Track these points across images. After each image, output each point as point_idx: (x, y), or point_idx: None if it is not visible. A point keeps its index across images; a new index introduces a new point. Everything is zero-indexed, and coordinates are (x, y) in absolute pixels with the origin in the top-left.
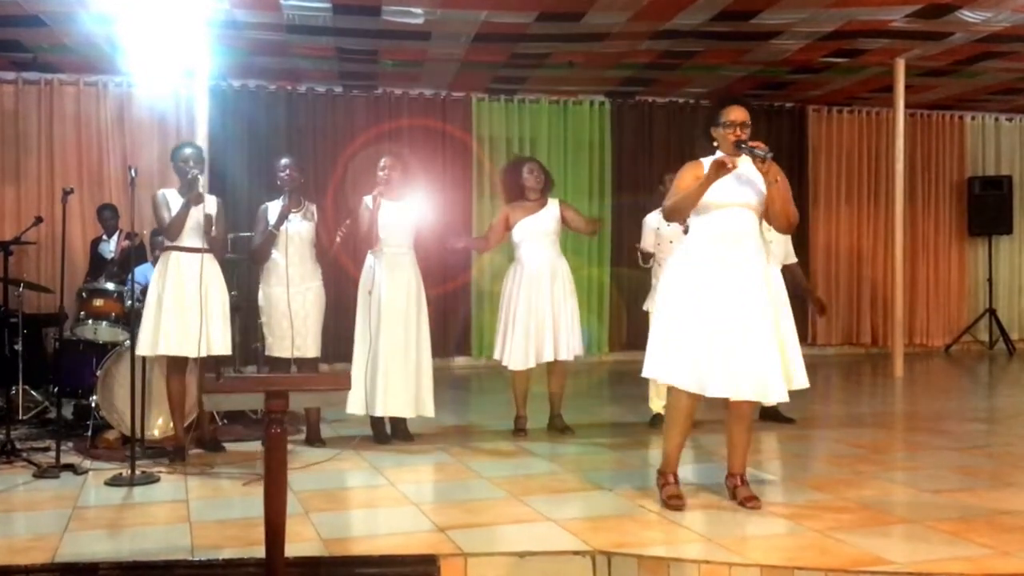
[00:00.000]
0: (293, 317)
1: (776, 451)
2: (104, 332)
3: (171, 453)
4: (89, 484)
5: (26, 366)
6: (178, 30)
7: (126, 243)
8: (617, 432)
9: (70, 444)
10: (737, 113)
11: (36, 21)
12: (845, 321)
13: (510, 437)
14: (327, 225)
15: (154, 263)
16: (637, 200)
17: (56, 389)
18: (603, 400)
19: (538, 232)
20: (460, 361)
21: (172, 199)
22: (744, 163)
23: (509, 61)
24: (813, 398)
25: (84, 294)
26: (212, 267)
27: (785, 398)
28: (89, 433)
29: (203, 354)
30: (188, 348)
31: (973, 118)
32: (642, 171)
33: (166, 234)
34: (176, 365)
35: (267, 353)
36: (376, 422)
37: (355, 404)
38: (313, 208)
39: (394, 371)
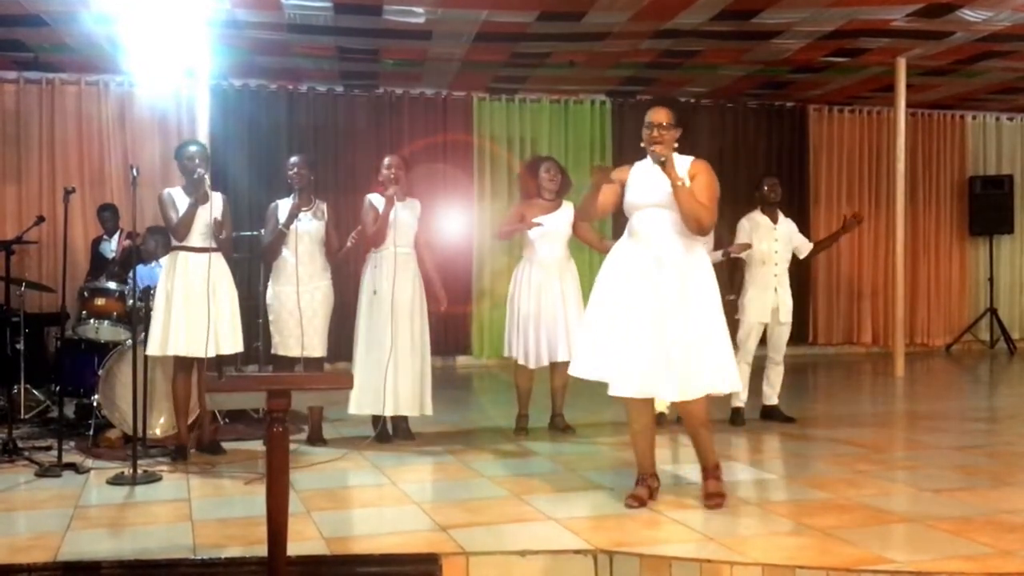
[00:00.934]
0: (301, 316)
1: (777, 450)
2: (106, 331)
3: (173, 452)
4: (91, 483)
5: (28, 365)
6: (179, 30)
7: (127, 243)
8: (618, 431)
9: (72, 443)
10: (654, 114)
11: (37, 20)
12: (846, 320)
13: (511, 436)
14: (336, 223)
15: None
16: None
17: (58, 388)
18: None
19: (550, 232)
20: (461, 360)
21: (179, 199)
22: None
23: (510, 61)
24: (814, 397)
25: (86, 293)
26: (221, 266)
27: (699, 395)
28: (91, 432)
29: (212, 354)
30: (197, 348)
31: (974, 117)
32: None
33: (173, 234)
34: (183, 365)
35: (273, 352)
36: (378, 421)
37: (356, 404)
38: (324, 206)
39: (402, 370)
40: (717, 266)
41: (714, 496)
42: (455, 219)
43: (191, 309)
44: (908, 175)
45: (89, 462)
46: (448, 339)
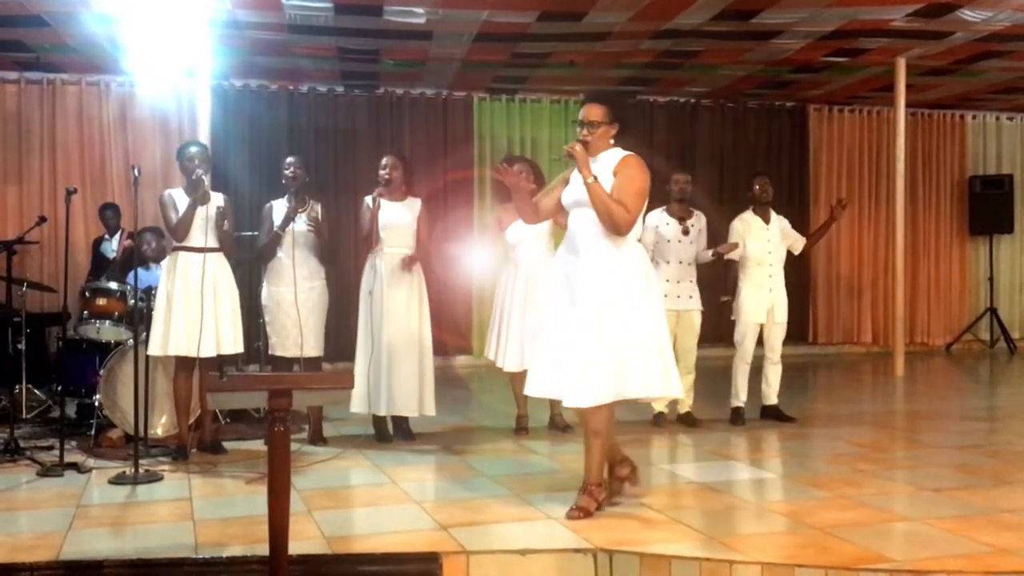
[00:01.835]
0: (299, 317)
1: (777, 449)
2: (107, 331)
3: (174, 452)
4: (92, 483)
5: (29, 365)
6: (180, 30)
7: (128, 242)
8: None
9: (73, 443)
10: (584, 112)
11: (38, 21)
12: (846, 320)
13: (511, 436)
14: (331, 224)
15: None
16: None
17: (59, 388)
18: None
19: (532, 234)
20: (461, 360)
21: (179, 199)
22: (598, 164)
23: (510, 61)
24: (814, 397)
25: (87, 293)
26: (221, 266)
27: (585, 403)
28: (92, 432)
29: (213, 354)
30: (198, 348)
31: (974, 117)
32: None
33: (173, 234)
34: (184, 365)
35: (271, 352)
36: (378, 421)
37: (358, 403)
38: (318, 207)
39: (397, 370)
40: (712, 268)
41: (578, 509)
42: (455, 219)
43: (192, 309)
44: (908, 175)
45: (91, 462)
46: (448, 339)
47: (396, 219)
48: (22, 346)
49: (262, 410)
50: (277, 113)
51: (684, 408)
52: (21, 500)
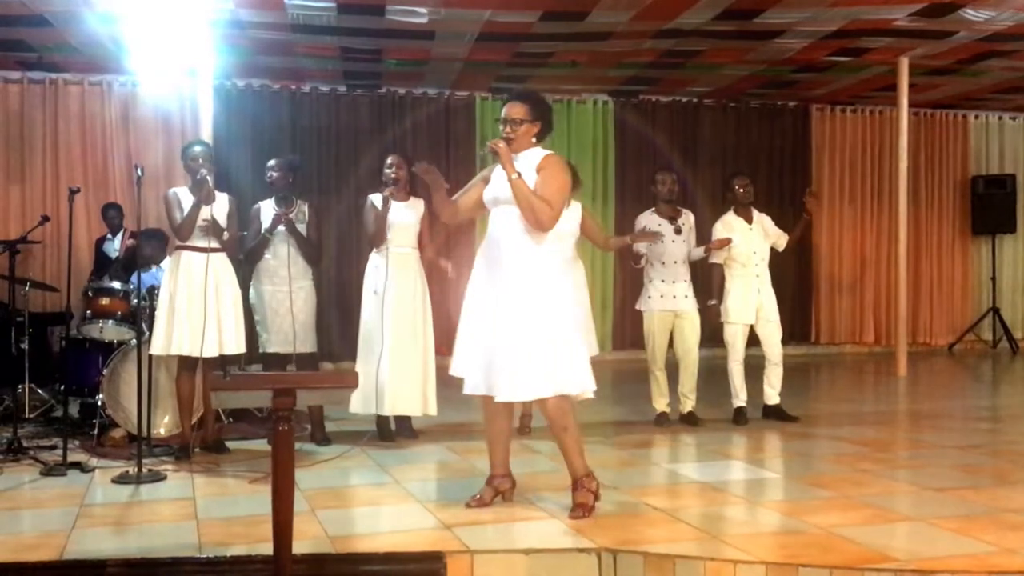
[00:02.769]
0: (286, 315)
1: (780, 449)
2: (110, 331)
3: (177, 451)
4: (96, 482)
5: (32, 365)
6: (182, 29)
7: (131, 242)
8: (621, 430)
9: (76, 442)
10: (507, 110)
11: (41, 21)
12: (848, 319)
13: (514, 435)
14: (318, 223)
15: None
16: (640, 199)
17: (62, 387)
18: (607, 398)
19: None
20: None
21: (184, 198)
22: (519, 162)
23: (512, 60)
24: (817, 396)
25: (90, 293)
26: (224, 266)
27: (517, 398)
28: (95, 431)
29: (216, 354)
30: (200, 348)
31: (977, 117)
32: (645, 170)
33: (176, 234)
34: (187, 364)
35: (261, 350)
36: (381, 420)
37: (359, 404)
38: (305, 208)
39: (401, 370)
40: (696, 270)
41: (578, 507)
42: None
43: (195, 309)
44: (911, 174)
45: (94, 461)
46: (450, 339)
47: (401, 219)
48: (25, 346)
49: (265, 409)
50: (279, 113)
51: (687, 408)
52: (24, 499)
